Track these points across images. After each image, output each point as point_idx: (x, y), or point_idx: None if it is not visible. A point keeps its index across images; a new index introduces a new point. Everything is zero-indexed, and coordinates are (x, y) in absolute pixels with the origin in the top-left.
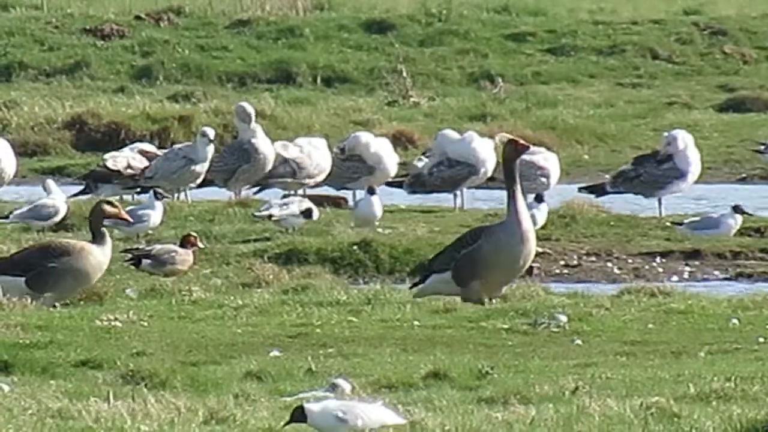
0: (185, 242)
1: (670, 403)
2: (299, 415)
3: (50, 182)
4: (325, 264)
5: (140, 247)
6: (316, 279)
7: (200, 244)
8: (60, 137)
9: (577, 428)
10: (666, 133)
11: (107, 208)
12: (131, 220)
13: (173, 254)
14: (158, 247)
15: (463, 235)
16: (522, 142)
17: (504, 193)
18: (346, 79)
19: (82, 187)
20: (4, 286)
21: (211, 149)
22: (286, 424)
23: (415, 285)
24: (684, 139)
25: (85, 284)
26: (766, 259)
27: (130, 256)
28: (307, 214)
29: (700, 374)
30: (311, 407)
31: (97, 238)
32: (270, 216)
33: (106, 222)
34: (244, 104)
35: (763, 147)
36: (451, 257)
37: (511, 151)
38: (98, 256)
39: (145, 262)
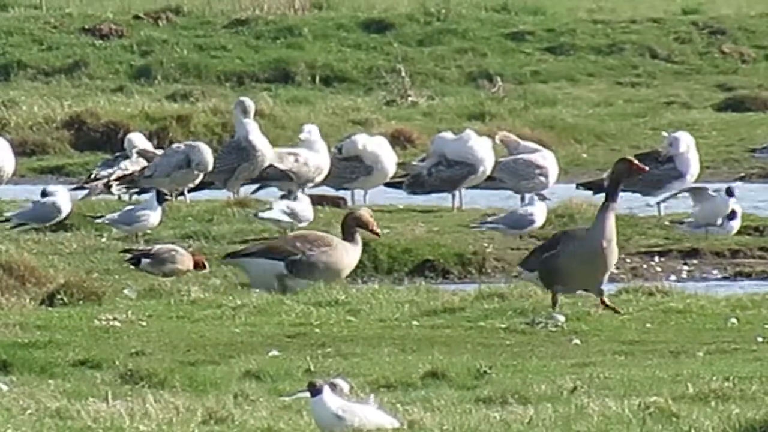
0: (195, 262)
1: (669, 403)
2: (313, 389)
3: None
4: None
5: (140, 246)
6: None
7: (206, 267)
8: (59, 137)
9: (575, 428)
10: (666, 134)
11: (363, 214)
12: (379, 234)
13: (173, 254)
14: (157, 246)
15: (551, 237)
16: (638, 165)
17: (503, 193)
18: (345, 79)
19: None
20: (261, 269)
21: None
22: (298, 392)
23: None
24: (686, 142)
25: (336, 278)
26: (764, 258)
27: (129, 255)
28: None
29: (699, 374)
30: (326, 393)
31: (347, 238)
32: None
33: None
34: (245, 98)
35: (757, 150)
36: (537, 259)
37: (624, 171)
38: (351, 254)
39: (145, 261)
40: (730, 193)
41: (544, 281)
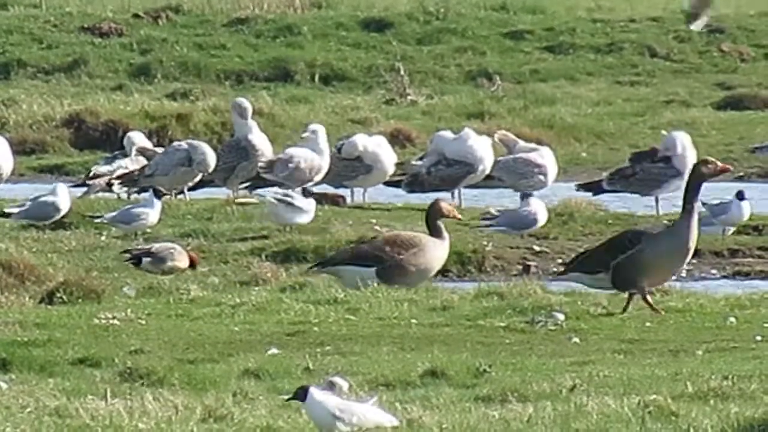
0: (190, 260)
1: (668, 402)
2: (301, 394)
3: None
4: None
5: (139, 245)
6: (314, 277)
7: (200, 267)
8: (58, 135)
9: (574, 426)
10: (665, 133)
11: (444, 205)
12: (461, 218)
13: (172, 252)
14: (157, 245)
15: (616, 238)
16: (722, 165)
17: (502, 191)
18: (344, 78)
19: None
20: (352, 276)
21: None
22: (288, 400)
23: (560, 274)
24: (683, 142)
25: (426, 277)
26: (763, 258)
27: (129, 255)
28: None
29: (698, 372)
30: (315, 393)
31: (434, 233)
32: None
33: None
34: (241, 99)
35: (756, 148)
36: (604, 261)
37: (705, 172)
38: (440, 250)
39: (145, 260)
40: (741, 196)
41: (621, 281)
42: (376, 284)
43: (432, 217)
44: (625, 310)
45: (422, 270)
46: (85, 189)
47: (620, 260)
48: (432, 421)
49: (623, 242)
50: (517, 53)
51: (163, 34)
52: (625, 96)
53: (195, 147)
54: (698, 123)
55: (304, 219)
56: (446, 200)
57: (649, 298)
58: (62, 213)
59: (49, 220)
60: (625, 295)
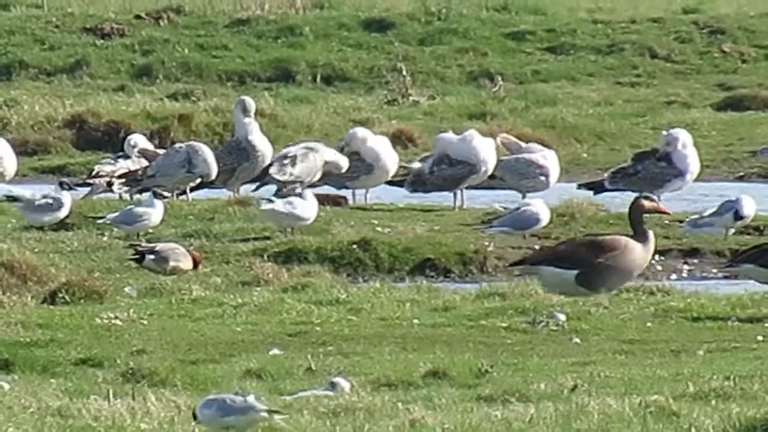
0: (192, 260)
1: (669, 402)
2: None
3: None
4: (324, 262)
5: (143, 245)
6: (316, 277)
7: (201, 265)
8: (60, 136)
9: (576, 426)
10: (665, 132)
11: (645, 202)
12: (669, 212)
13: (176, 252)
14: (162, 245)
15: None
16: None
17: (503, 192)
18: (346, 78)
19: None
20: (550, 277)
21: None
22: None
23: (729, 266)
24: (683, 139)
25: (628, 280)
26: None
27: (133, 251)
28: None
29: (699, 373)
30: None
31: (638, 235)
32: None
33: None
34: (246, 97)
35: (758, 151)
36: None
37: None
38: (642, 253)
39: (148, 258)
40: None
41: None
42: (575, 286)
43: (635, 217)
44: None
45: (622, 273)
46: (88, 189)
47: None
48: (434, 421)
49: None
50: (519, 54)
51: (165, 35)
52: (625, 97)
53: (195, 150)
54: (699, 124)
55: (304, 222)
56: (650, 196)
57: None
58: (63, 215)
59: (48, 219)
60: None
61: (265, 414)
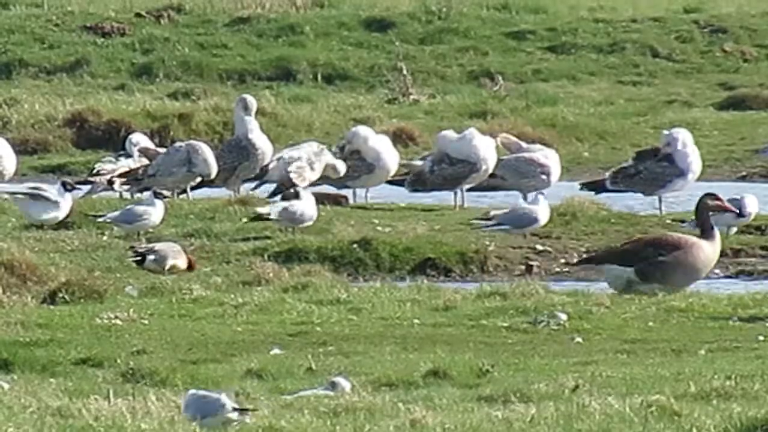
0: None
1: (671, 402)
2: None
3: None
4: (325, 262)
5: (142, 245)
6: (317, 277)
7: (198, 269)
8: (60, 135)
9: (577, 427)
10: (666, 132)
11: (709, 201)
12: (736, 210)
13: (174, 251)
14: (160, 244)
15: None
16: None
17: (503, 192)
18: (347, 77)
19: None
20: (613, 274)
21: (212, 160)
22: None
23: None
24: (683, 139)
25: (695, 279)
26: (766, 257)
27: (133, 253)
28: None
29: (701, 372)
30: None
31: (706, 233)
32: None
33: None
34: (247, 95)
35: (760, 150)
36: None
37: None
38: (708, 252)
39: (149, 258)
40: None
41: None
42: (636, 282)
43: (701, 216)
44: None
45: (688, 271)
46: (89, 188)
47: None
48: (435, 421)
49: None
50: (520, 53)
51: (165, 34)
52: (627, 96)
53: (195, 149)
54: (700, 123)
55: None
56: (716, 195)
57: None
58: (63, 213)
59: (47, 218)
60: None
61: (234, 414)
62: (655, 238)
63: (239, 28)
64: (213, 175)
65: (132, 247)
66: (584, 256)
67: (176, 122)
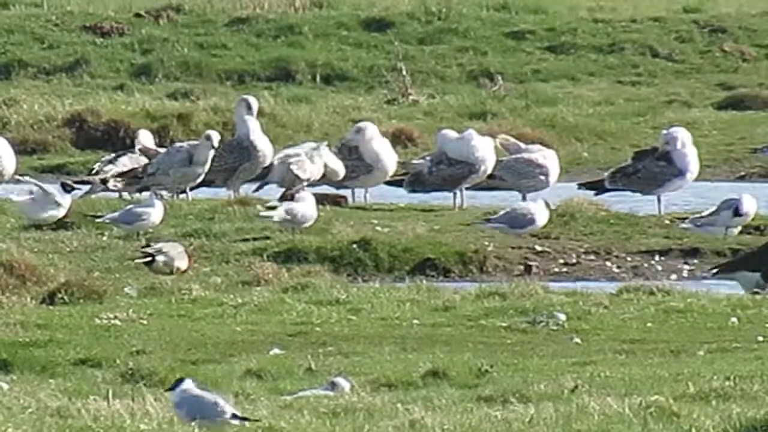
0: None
1: (670, 402)
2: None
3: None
4: (324, 262)
5: (142, 245)
6: (316, 277)
7: (196, 266)
8: (60, 135)
9: (576, 427)
10: (664, 131)
11: None
12: None
13: (180, 251)
14: (166, 245)
15: None
16: None
17: (503, 193)
18: (346, 77)
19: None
20: (744, 279)
21: (211, 154)
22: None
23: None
24: (682, 138)
25: None
26: None
27: (142, 253)
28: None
29: (700, 373)
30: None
31: None
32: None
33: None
34: (250, 96)
35: (759, 149)
36: None
37: None
38: None
39: (159, 260)
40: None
41: None
42: (763, 286)
43: None
44: None
45: None
46: (88, 188)
47: None
48: (434, 421)
49: None
50: (519, 53)
51: (165, 34)
52: (626, 96)
53: (194, 146)
54: (699, 123)
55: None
56: None
57: None
58: (62, 213)
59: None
60: None
61: (235, 421)
62: None
63: (238, 28)
64: (207, 165)
65: (142, 248)
66: (719, 266)
67: (175, 122)
